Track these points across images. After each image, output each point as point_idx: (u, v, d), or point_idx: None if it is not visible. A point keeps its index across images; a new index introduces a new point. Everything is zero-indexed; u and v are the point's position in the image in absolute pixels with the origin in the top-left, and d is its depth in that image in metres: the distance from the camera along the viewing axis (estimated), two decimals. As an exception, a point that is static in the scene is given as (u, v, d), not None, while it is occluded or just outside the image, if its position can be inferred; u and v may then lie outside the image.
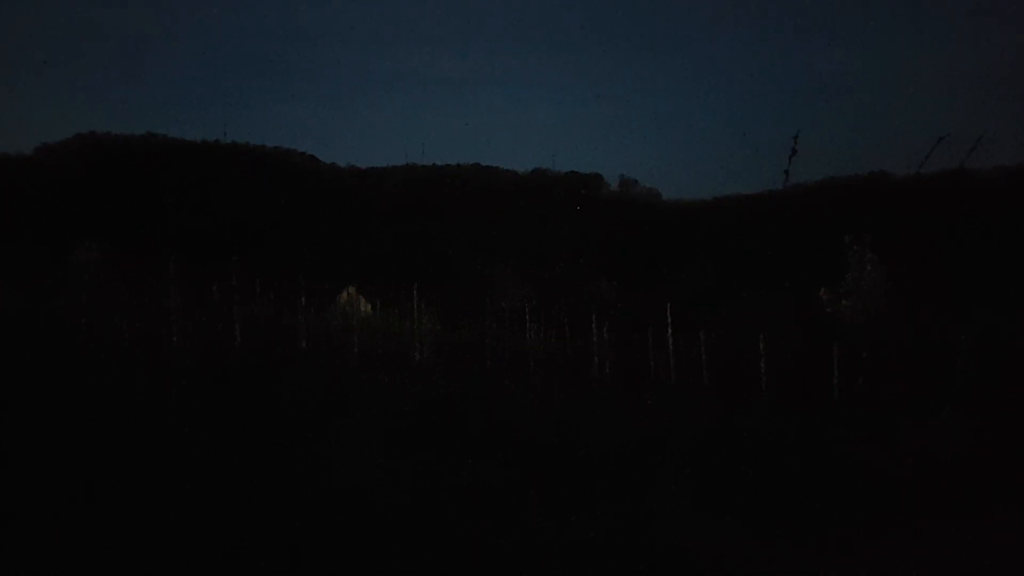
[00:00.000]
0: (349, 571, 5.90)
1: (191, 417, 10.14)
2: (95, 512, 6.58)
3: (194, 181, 65.92)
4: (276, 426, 10.24)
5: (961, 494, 9.13)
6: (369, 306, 37.14)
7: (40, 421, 9.37)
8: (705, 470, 9.48)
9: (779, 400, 20.36)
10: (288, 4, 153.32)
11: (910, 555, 6.98)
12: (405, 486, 7.98)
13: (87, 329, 16.72)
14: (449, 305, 34.83)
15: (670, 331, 24.53)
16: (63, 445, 8.57)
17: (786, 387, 21.47)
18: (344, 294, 40.49)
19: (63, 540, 6.01)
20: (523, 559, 6.16)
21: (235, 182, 67.30)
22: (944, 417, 13.97)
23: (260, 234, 57.90)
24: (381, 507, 7.17)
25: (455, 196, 72.21)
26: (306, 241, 57.97)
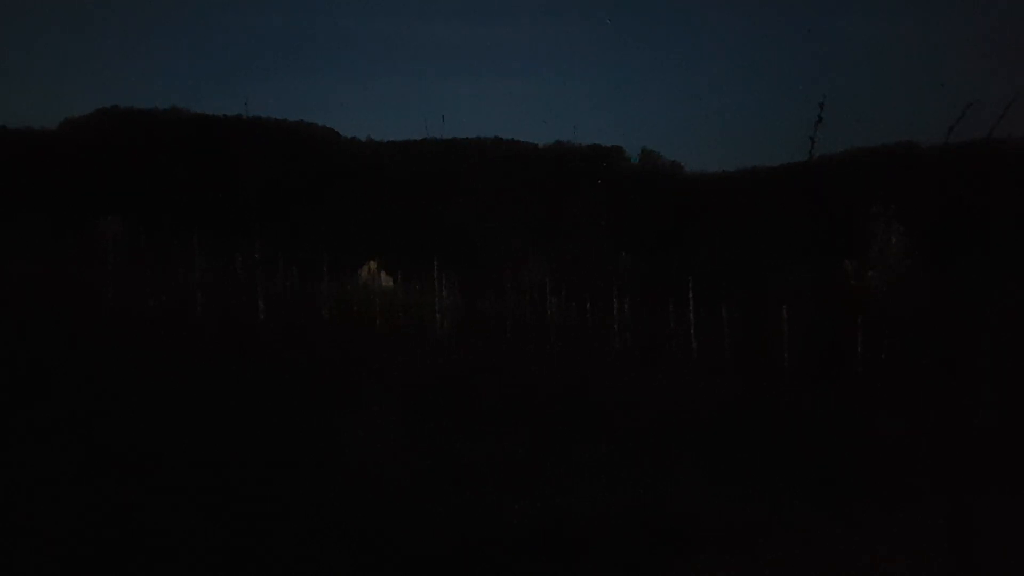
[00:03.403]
0: (365, 536, 5.95)
1: (215, 385, 10.24)
2: (117, 476, 6.67)
3: (217, 155, 66.17)
4: (299, 396, 10.31)
5: (986, 469, 9.03)
6: (390, 279, 37.24)
7: (63, 387, 9.50)
8: (725, 441, 9.45)
9: (802, 372, 20.22)
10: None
11: (932, 528, 6.93)
12: (425, 453, 8.02)
13: (111, 300, 16.89)
14: (469, 278, 34.85)
15: (691, 304, 24.40)
16: (87, 410, 8.69)
17: (809, 359, 21.30)
18: (366, 268, 40.62)
19: (83, 505, 6.10)
20: (539, 525, 6.18)
21: (257, 156, 67.46)
22: (970, 391, 13.81)
23: (282, 208, 58.11)
24: (400, 473, 7.22)
25: (475, 169, 71.99)
26: (328, 215, 58.12)
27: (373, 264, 41.19)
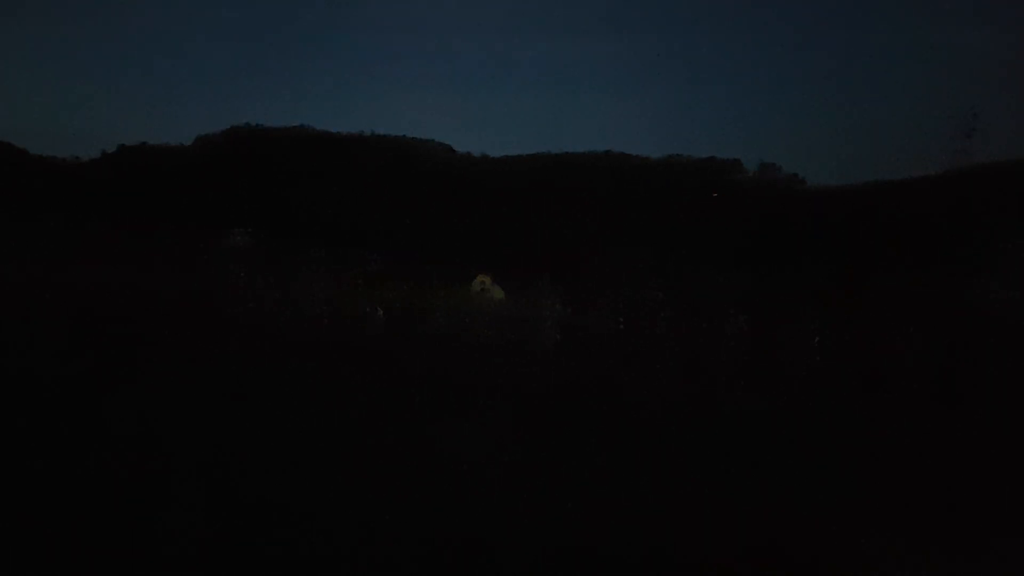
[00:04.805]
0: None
1: (333, 395, 10.64)
2: (233, 479, 7.01)
3: (338, 171, 68.61)
4: (410, 407, 10.58)
5: None
6: (501, 292, 37.58)
7: (197, 397, 10.05)
8: (840, 466, 9.10)
9: (928, 398, 19.20)
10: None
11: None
12: (530, 467, 8.08)
13: (239, 311, 17.81)
14: (580, 293, 34.78)
15: (813, 325, 23.55)
16: (214, 420, 9.17)
17: (938, 385, 20.22)
18: (477, 281, 41.12)
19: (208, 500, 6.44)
20: (646, 538, 6.12)
21: (377, 172, 69.51)
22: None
23: (399, 222, 59.64)
24: (502, 484, 7.29)
25: (586, 184, 71.93)
26: (442, 229, 59.28)
27: (487, 278, 41.65)
